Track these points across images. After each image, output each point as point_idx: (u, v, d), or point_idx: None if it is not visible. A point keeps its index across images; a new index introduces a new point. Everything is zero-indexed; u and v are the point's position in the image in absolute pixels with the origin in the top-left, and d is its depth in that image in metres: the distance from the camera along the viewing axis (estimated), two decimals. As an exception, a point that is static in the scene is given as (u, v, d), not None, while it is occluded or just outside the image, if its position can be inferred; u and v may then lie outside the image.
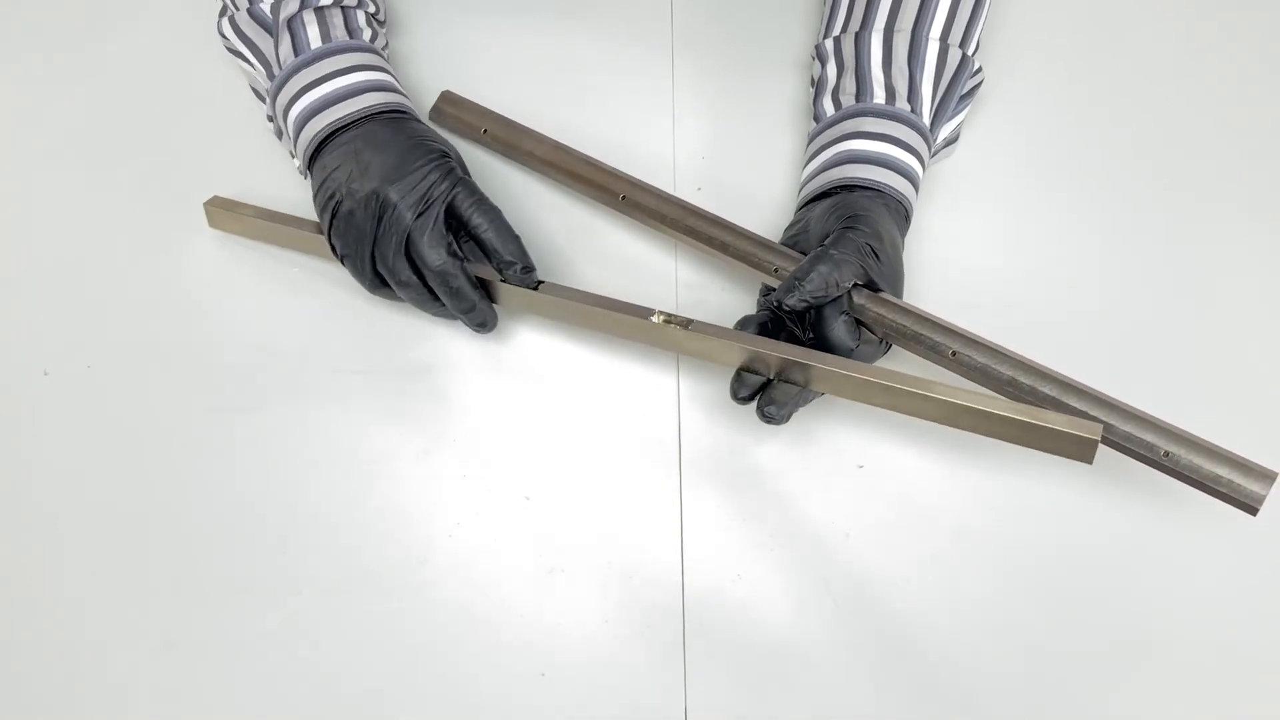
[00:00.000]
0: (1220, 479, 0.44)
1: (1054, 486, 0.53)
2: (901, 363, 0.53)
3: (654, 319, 0.51)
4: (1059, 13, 0.70)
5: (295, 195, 0.63)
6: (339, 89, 0.55)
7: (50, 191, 0.64)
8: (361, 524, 0.54)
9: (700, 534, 0.53)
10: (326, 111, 0.55)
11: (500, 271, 0.54)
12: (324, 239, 0.56)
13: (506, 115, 0.63)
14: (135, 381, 0.58)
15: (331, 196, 0.53)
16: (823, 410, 0.54)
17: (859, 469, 0.55)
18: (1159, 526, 0.52)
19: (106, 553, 0.54)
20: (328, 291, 0.60)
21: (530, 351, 0.58)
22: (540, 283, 0.54)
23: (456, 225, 0.54)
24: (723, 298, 0.60)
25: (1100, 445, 0.43)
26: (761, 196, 0.62)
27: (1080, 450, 0.43)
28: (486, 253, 0.54)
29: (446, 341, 0.58)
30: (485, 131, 0.63)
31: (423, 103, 0.65)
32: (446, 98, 0.65)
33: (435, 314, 0.56)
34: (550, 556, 0.53)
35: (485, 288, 0.55)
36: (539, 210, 0.63)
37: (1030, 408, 0.44)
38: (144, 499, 0.55)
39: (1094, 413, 0.46)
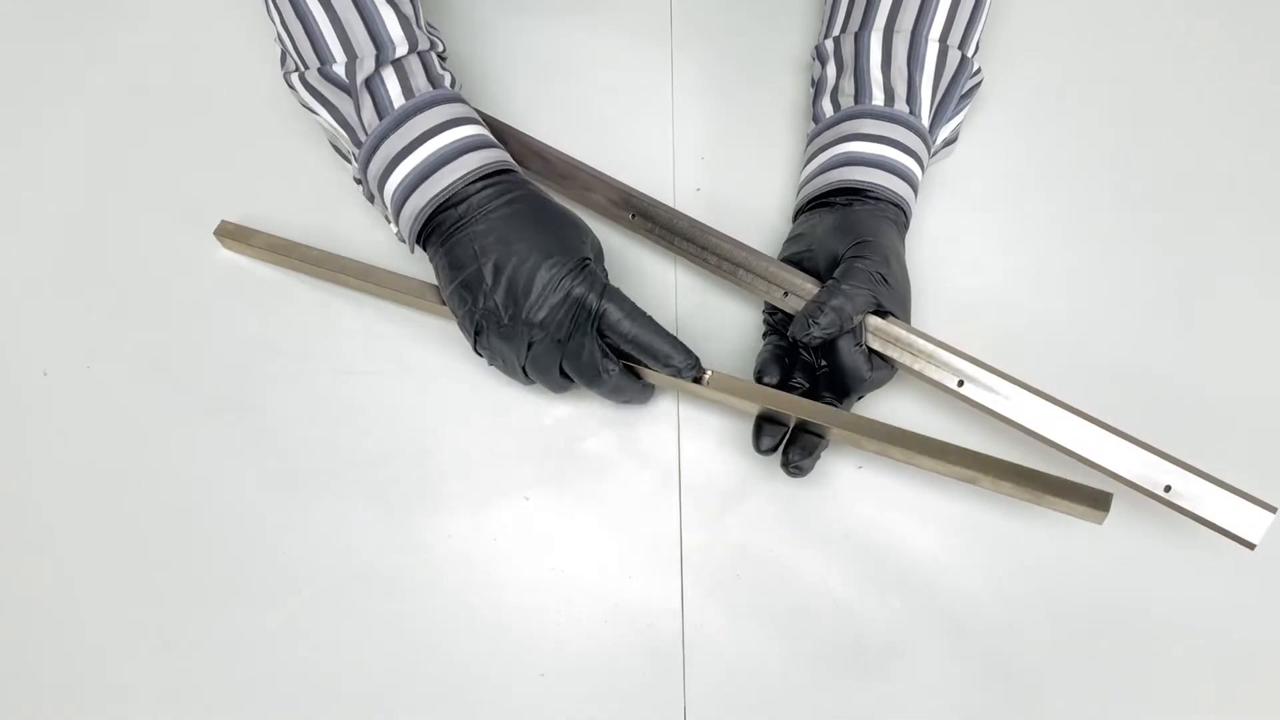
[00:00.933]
0: (1218, 514, 0.45)
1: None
2: (910, 389, 0.53)
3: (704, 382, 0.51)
4: (1059, 12, 0.70)
5: (304, 205, 0.63)
6: (431, 156, 0.51)
7: (50, 191, 0.64)
8: (361, 524, 0.54)
9: (699, 534, 0.53)
10: (424, 186, 0.51)
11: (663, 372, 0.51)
12: (336, 270, 0.58)
13: (502, 119, 0.63)
14: (135, 381, 0.58)
15: (470, 313, 0.51)
16: (822, 411, 0.54)
17: (858, 469, 0.55)
18: (1162, 531, 0.53)
19: (106, 553, 0.54)
20: (328, 292, 0.60)
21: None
22: (705, 373, 0.51)
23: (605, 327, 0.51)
24: (721, 302, 0.60)
25: (1103, 476, 0.45)
26: (761, 198, 0.62)
27: (1090, 514, 0.45)
28: (643, 354, 0.51)
29: (446, 343, 0.58)
30: None
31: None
32: None
33: None
34: (549, 557, 0.53)
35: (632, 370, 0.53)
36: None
37: (1045, 475, 0.46)
38: (144, 499, 0.55)
39: (1095, 441, 0.47)
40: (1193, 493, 0.45)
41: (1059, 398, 0.49)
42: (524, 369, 0.52)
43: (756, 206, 0.62)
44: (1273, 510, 0.44)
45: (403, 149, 0.52)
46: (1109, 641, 0.51)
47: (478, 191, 0.52)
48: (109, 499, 0.55)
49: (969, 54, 0.57)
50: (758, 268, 0.54)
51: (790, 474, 0.51)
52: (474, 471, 0.55)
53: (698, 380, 0.51)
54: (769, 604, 0.52)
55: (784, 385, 0.52)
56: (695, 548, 0.53)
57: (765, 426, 0.52)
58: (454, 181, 0.51)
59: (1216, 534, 0.45)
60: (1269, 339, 0.58)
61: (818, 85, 0.61)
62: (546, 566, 0.53)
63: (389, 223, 0.56)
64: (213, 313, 0.60)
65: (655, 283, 0.60)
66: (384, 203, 0.54)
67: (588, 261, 0.51)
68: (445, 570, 0.53)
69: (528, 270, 0.50)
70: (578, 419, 0.56)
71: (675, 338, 0.51)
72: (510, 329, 0.50)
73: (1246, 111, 0.66)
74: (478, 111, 0.57)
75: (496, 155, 0.54)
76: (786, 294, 0.53)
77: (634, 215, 0.58)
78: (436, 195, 0.51)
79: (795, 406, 0.50)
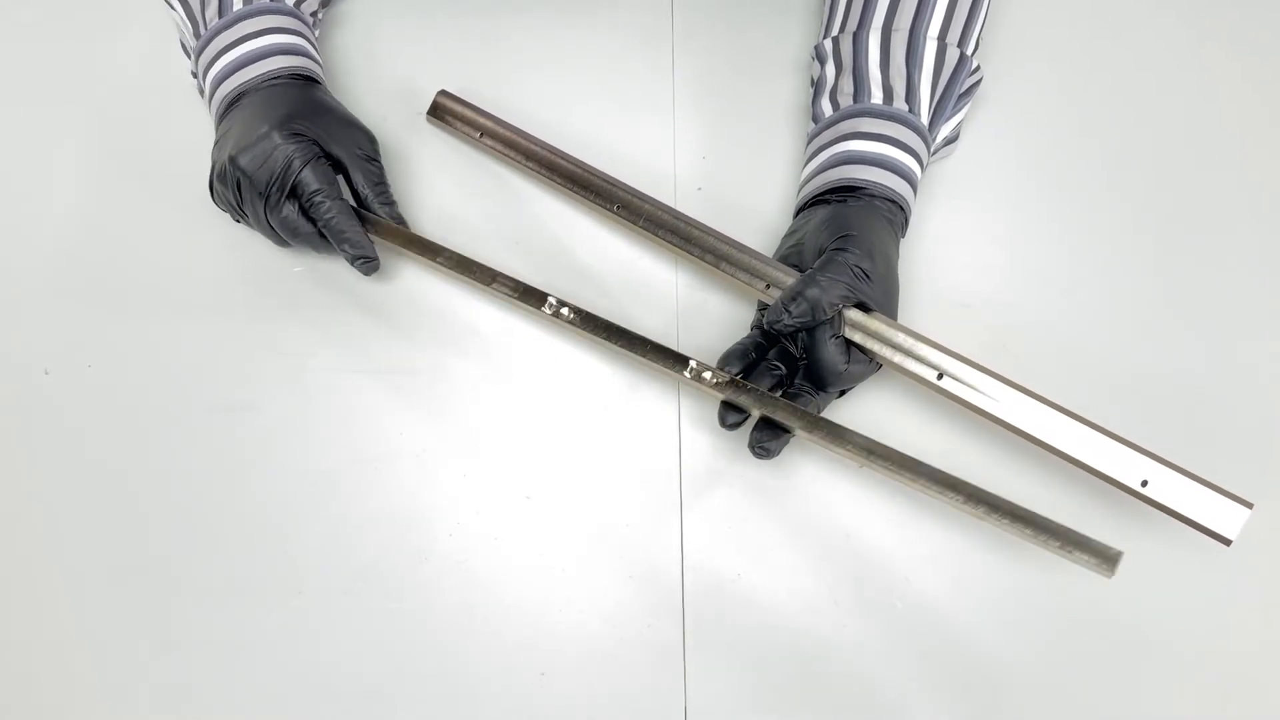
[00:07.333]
0: (1195, 510, 0.44)
1: (1053, 489, 0.53)
2: (891, 384, 0.53)
3: (687, 374, 0.51)
4: (1060, 12, 0.70)
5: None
6: (248, 52, 0.58)
7: (50, 190, 0.64)
8: (361, 524, 0.54)
9: (700, 533, 0.53)
10: (234, 76, 0.58)
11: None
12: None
13: (502, 116, 0.63)
14: (135, 381, 0.58)
15: (214, 163, 0.57)
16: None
17: (859, 469, 0.55)
18: (1154, 535, 0.52)
19: (107, 552, 0.54)
20: (328, 291, 0.60)
21: (530, 351, 0.58)
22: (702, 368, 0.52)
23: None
24: (722, 300, 0.60)
25: (1080, 470, 0.44)
26: (762, 197, 0.62)
27: (1099, 566, 0.43)
28: (326, 229, 0.56)
29: (447, 341, 0.58)
30: (481, 135, 0.63)
31: (419, 103, 0.65)
32: (442, 98, 0.65)
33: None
34: (550, 556, 0.53)
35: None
36: (536, 213, 0.63)
37: (1058, 525, 0.44)
38: (144, 499, 0.55)
39: (1072, 435, 0.47)
40: (1169, 488, 0.45)
41: (1044, 395, 0.48)
42: (241, 209, 0.56)
43: (757, 206, 0.62)
44: (1249, 506, 0.44)
45: (229, 44, 0.58)
46: (1117, 636, 0.51)
47: (269, 84, 0.58)
48: (109, 498, 0.55)
49: (968, 51, 0.57)
50: (740, 261, 0.55)
51: (756, 455, 0.50)
52: (474, 471, 0.55)
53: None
54: (770, 604, 0.52)
55: (747, 376, 0.52)
56: (696, 547, 0.53)
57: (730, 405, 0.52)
58: (257, 76, 0.58)
59: (1194, 531, 0.45)
60: (1268, 343, 0.58)
61: (817, 85, 0.61)
62: (546, 566, 0.53)
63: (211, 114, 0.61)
64: (213, 312, 0.60)
65: (656, 281, 0.60)
66: (206, 89, 0.60)
67: (307, 137, 0.55)
68: (445, 569, 0.53)
69: (255, 127, 0.55)
70: (579, 418, 0.56)
71: (363, 232, 0.56)
72: (225, 171, 0.55)
73: (1250, 111, 0.66)
74: (478, 110, 0.59)
75: (304, 63, 0.60)
76: (768, 286, 0.53)
77: (617, 208, 0.59)
78: (240, 85, 0.58)
79: (782, 409, 0.49)
